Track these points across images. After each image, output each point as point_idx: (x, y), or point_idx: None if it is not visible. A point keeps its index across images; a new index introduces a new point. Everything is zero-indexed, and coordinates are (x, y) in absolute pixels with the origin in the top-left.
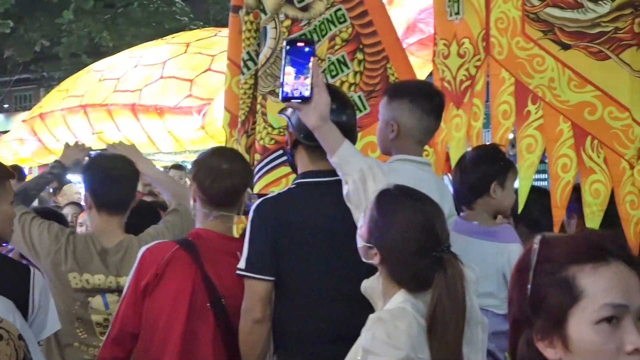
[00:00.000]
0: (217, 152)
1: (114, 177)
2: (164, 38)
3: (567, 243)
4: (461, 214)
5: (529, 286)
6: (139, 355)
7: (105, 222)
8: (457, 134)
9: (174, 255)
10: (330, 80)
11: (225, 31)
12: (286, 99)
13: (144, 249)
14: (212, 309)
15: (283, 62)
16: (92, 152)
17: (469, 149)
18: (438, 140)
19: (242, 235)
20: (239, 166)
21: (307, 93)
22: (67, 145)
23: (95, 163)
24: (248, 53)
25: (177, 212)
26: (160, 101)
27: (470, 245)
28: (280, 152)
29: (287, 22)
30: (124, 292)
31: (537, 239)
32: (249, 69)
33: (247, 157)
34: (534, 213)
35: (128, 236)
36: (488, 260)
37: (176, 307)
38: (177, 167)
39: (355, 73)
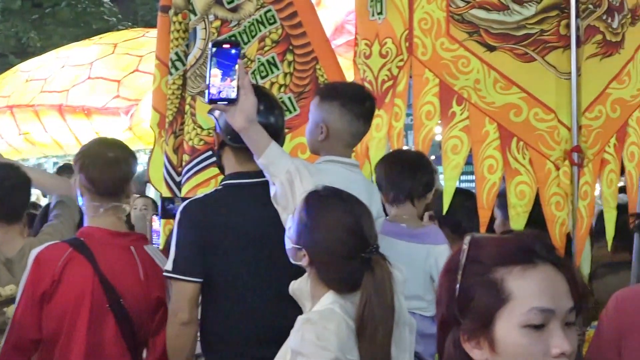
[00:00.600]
0: (102, 142)
1: (7, 186)
2: (91, 38)
3: (496, 244)
4: (388, 215)
5: (457, 286)
6: None
7: (5, 233)
8: (377, 134)
9: (68, 258)
10: (260, 82)
11: (153, 32)
12: (212, 101)
13: (35, 252)
14: (111, 310)
15: (209, 64)
16: None
17: (390, 150)
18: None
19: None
20: (125, 154)
21: (233, 95)
22: None
23: None
24: (176, 53)
25: (62, 203)
26: (87, 102)
27: (397, 247)
28: (210, 153)
29: (217, 23)
30: (18, 296)
31: (467, 239)
32: (177, 69)
33: (174, 157)
34: (457, 216)
35: (28, 240)
36: (416, 263)
37: (77, 311)
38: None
39: (285, 74)
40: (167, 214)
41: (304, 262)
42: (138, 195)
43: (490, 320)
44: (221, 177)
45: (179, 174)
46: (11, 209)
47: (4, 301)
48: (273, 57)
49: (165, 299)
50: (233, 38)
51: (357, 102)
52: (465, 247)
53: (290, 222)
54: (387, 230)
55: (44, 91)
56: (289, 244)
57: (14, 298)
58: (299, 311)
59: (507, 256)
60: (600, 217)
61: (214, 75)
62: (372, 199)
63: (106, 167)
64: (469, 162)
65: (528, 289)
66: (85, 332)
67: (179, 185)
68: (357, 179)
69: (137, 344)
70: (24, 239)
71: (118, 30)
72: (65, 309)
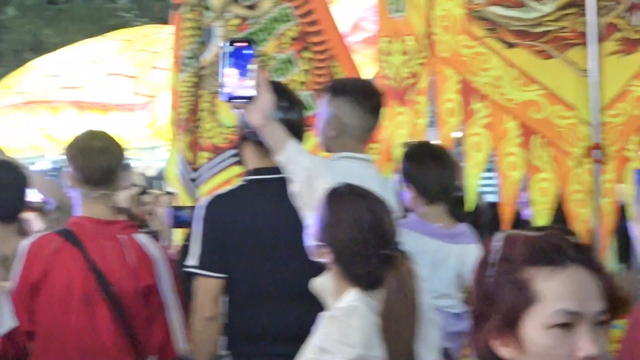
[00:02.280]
0: (90, 134)
1: (1, 185)
2: (108, 34)
3: (527, 243)
4: (415, 212)
5: (488, 283)
6: (41, 354)
7: (2, 231)
8: (400, 132)
9: (58, 248)
10: (278, 79)
11: (169, 28)
12: (230, 99)
13: (26, 243)
14: (104, 298)
15: (223, 63)
16: None
17: None
18: (381, 138)
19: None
20: (112, 144)
21: (250, 92)
22: None
23: None
24: (189, 51)
25: (59, 208)
26: (105, 98)
27: (430, 246)
28: (233, 152)
29: (235, 21)
30: (8, 290)
31: (500, 236)
32: (189, 67)
33: (189, 155)
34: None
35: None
36: (448, 262)
37: (69, 302)
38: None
39: (304, 72)
40: (177, 223)
41: (326, 259)
42: (164, 192)
43: (517, 319)
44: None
45: (193, 171)
46: (6, 208)
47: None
48: (291, 55)
49: (156, 287)
50: (249, 36)
51: (367, 97)
52: (497, 244)
53: (311, 220)
54: (421, 229)
55: (61, 87)
56: (310, 242)
57: None
58: (321, 308)
59: (537, 256)
60: None
61: (228, 74)
62: (386, 194)
63: (93, 156)
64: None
65: (555, 291)
66: (78, 321)
67: (192, 182)
68: (370, 174)
69: (132, 331)
70: (22, 238)
71: (134, 26)
72: (57, 298)
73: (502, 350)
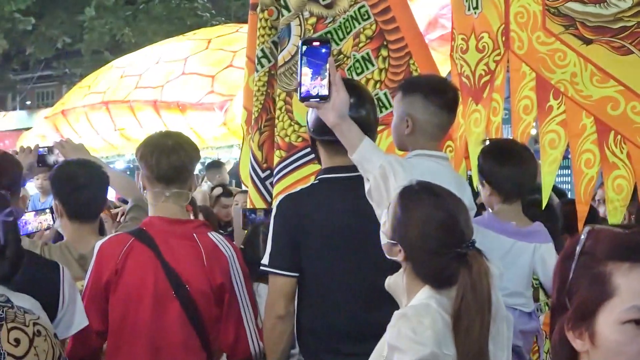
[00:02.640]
0: (162, 133)
1: (82, 184)
2: (185, 34)
3: (611, 238)
4: (491, 210)
5: (570, 275)
6: (112, 353)
7: (78, 230)
8: (476, 129)
9: (130, 248)
10: (356, 78)
11: (246, 27)
12: (304, 98)
13: (99, 243)
14: (177, 297)
15: (300, 63)
16: (40, 150)
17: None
18: (457, 136)
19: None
20: (184, 143)
21: (324, 92)
22: (20, 150)
23: (61, 171)
24: (262, 50)
25: (138, 207)
26: (182, 97)
27: (505, 245)
28: (308, 149)
29: (312, 20)
30: (83, 289)
31: (586, 229)
32: (262, 66)
33: (259, 154)
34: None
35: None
36: (521, 261)
37: (141, 301)
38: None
39: (380, 70)
40: (249, 225)
41: (399, 257)
42: (240, 190)
43: (593, 312)
44: None
45: (263, 170)
46: (81, 207)
47: None
48: (368, 53)
49: (230, 285)
50: (325, 35)
51: (439, 93)
52: (582, 237)
53: (384, 218)
54: (496, 227)
55: (139, 87)
56: (384, 239)
57: None
58: (395, 306)
59: (619, 252)
60: None
61: (305, 74)
62: (463, 191)
63: (164, 154)
64: (566, 156)
65: (633, 287)
66: (149, 320)
67: (263, 181)
68: (446, 172)
69: (206, 330)
70: (99, 237)
71: (211, 26)
72: (129, 297)
73: (577, 342)
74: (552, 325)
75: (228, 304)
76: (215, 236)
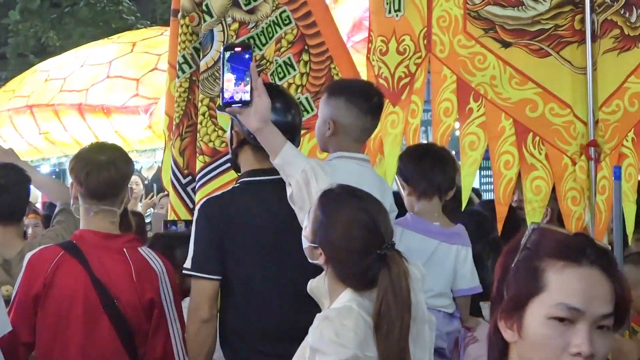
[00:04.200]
0: (96, 146)
1: (3, 186)
2: (110, 37)
3: (553, 237)
4: (412, 211)
5: (509, 268)
6: None
7: (2, 233)
8: (393, 131)
9: (60, 261)
10: (278, 83)
11: None
12: (227, 104)
13: (29, 255)
14: (106, 312)
15: (222, 69)
16: None
17: (404, 147)
18: (371, 137)
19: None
20: (117, 159)
21: (247, 97)
22: None
23: None
24: (183, 57)
25: (65, 211)
26: (107, 101)
27: (428, 246)
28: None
29: (235, 25)
30: (11, 300)
31: (534, 225)
32: (184, 72)
33: (180, 160)
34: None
35: (28, 243)
36: (444, 262)
37: (70, 315)
38: None
39: (302, 74)
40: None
41: (320, 260)
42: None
43: (524, 304)
44: None
45: (184, 176)
46: (6, 210)
47: None
48: (289, 58)
49: (159, 300)
50: (247, 40)
51: (364, 98)
52: (528, 232)
53: (306, 221)
54: (420, 228)
55: (64, 90)
56: (305, 243)
57: (10, 299)
58: (318, 309)
59: (558, 250)
60: None
61: (228, 80)
62: (384, 193)
63: (95, 170)
64: (486, 157)
65: (563, 285)
66: (79, 334)
67: (185, 187)
68: (368, 173)
69: (135, 344)
70: (24, 241)
71: (136, 29)
72: (59, 311)
73: (507, 332)
74: (492, 315)
75: (157, 319)
76: (145, 251)
